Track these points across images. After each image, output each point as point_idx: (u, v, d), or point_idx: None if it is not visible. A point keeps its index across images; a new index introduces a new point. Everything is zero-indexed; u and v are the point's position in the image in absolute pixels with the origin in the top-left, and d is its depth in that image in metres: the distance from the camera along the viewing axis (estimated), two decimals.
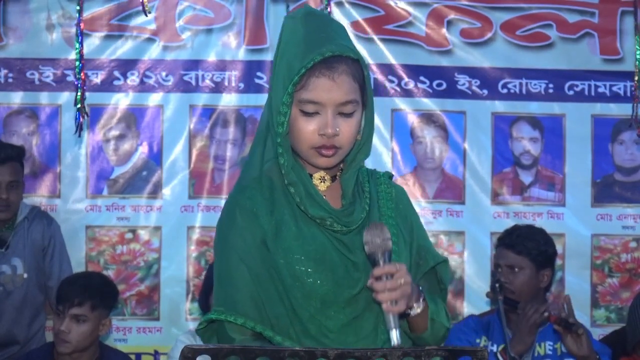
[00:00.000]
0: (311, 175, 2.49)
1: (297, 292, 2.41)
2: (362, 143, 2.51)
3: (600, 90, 5.50)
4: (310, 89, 2.40)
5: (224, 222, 2.48)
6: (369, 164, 5.88)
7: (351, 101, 2.42)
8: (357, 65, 2.45)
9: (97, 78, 5.38)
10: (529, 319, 4.32)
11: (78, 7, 4.57)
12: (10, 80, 5.39)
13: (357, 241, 2.44)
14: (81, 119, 4.59)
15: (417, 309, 2.44)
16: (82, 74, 4.60)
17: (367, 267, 2.41)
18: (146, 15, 4.72)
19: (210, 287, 4.58)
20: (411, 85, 5.47)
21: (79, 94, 4.49)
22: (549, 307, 4.39)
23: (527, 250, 4.49)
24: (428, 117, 5.50)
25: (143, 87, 5.42)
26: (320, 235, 2.45)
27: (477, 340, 4.49)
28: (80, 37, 4.57)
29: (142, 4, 4.44)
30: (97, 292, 4.37)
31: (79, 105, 4.54)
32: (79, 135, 4.92)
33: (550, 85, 5.49)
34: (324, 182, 2.51)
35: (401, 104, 5.49)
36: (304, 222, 2.45)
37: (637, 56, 4.96)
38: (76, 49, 4.57)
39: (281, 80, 2.43)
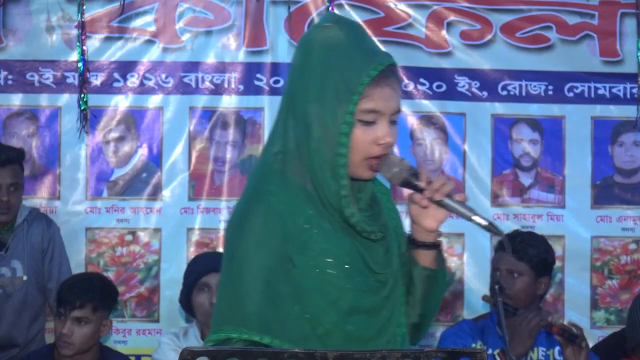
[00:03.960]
0: None
1: (321, 297, 2.35)
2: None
3: (600, 92, 5.50)
4: (373, 98, 2.39)
5: (244, 224, 2.37)
6: None
7: (401, 108, 2.49)
8: (397, 72, 2.49)
9: (97, 80, 5.37)
10: (529, 322, 4.31)
11: (81, 8, 4.57)
12: (10, 82, 5.39)
13: (381, 246, 2.46)
14: (86, 119, 4.60)
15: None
16: (84, 75, 4.62)
17: (389, 276, 2.44)
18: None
19: (190, 285, 4.57)
20: (411, 87, 5.47)
21: (84, 92, 4.50)
22: (548, 316, 4.38)
23: (528, 256, 4.47)
24: (428, 119, 5.50)
25: (143, 89, 5.42)
26: (347, 239, 2.42)
27: (473, 345, 4.48)
28: (81, 38, 4.57)
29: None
30: (98, 294, 4.37)
31: (83, 107, 4.56)
32: (88, 133, 4.91)
33: (550, 87, 5.49)
34: None
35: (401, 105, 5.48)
36: (332, 225, 2.41)
37: (638, 58, 4.97)
38: (78, 50, 4.58)
39: (334, 92, 2.38)
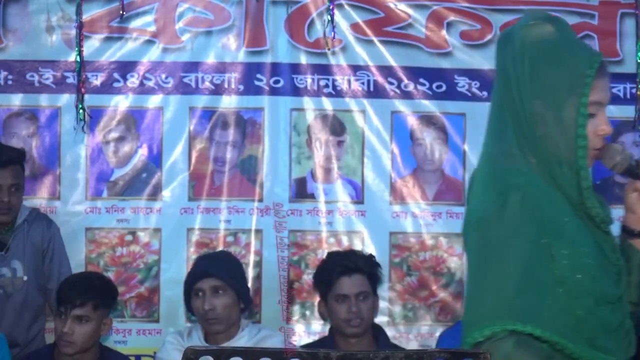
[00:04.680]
0: None
1: (576, 286, 2.36)
2: None
3: None
4: (598, 90, 2.43)
5: (499, 217, 2.40)
6: (369, 165, 5.87)
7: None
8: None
9: (97, 80, 5.38)
10: None
11: (79, 8, 4.57)
12: (10, 82, 5.39)
13: (611, 238, 2.52)
14: (86, 119, 4.57)
15: None
16: (82, 75, 4.61)
17: (621, 267, 2.49)
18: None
19: (188, 290, 4.57)
20: (411, 87, 5.47)
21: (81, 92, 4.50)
22: None
23: None
24: (428, 119, 5.50)
25: (143, 89, 5.42)
26: (587, 230, 2.45)
27: None
28: (79, 38, 4.57)
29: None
30: (98, 292, 4.38)
31: (80, 107, 4.55)
32: (87, 133, 4.88)
33: None
34: None
35: (401, 106, 5.49)
36: (578, 216, 2.45)
37: (638, 59, 4.97)
38: (76, 50, 4.57)
39: (562, 87, 2.41)
